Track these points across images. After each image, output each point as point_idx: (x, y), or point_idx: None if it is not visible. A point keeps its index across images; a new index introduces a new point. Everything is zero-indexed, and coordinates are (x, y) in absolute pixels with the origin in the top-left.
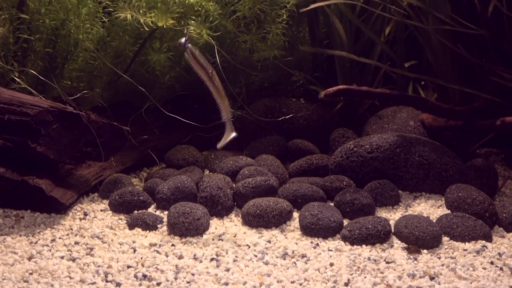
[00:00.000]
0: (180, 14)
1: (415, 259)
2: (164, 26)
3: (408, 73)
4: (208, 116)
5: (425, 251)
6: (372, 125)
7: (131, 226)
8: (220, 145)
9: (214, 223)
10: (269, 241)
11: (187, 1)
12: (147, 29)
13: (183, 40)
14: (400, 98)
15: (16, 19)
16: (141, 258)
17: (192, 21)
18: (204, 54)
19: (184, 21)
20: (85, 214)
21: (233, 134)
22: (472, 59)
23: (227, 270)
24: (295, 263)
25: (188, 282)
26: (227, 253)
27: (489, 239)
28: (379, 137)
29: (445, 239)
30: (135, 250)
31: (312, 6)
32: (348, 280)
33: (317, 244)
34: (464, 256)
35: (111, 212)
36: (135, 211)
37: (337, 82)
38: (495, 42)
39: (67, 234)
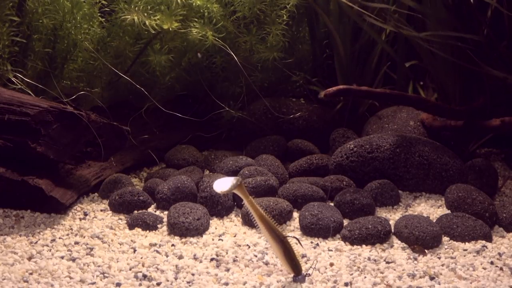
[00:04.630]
0: (182, 16)
1: (415, 259)
2: (170, 29)
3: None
4: (208, 115)
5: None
6: (372, 125)
7: (131, 226)
8: None
9: (214, 223)
10: None
11: (194, 3)
12: (153, 31)
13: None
14: (400, 98)
15: (15, 20)
16: (141, 258)
17: (195, 23)
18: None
19: (186, 23)
20: (85, 214)
21: None
22: (472, 66)
23: (227, 270)
24: None
25: (188, 282)
26: (227, 253)
27: (489, 239)
28: (379, 137)
29: (445, 239)
30: (135, 250)
31: None
32: (348, 280)
33: (317, 244)
34: (464, 256)
35: (111, 212)
36: (135, 211)
37: (337, 82)
38: (492, 45)
39: (67, 234)
